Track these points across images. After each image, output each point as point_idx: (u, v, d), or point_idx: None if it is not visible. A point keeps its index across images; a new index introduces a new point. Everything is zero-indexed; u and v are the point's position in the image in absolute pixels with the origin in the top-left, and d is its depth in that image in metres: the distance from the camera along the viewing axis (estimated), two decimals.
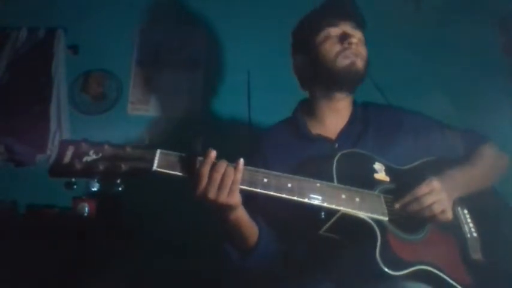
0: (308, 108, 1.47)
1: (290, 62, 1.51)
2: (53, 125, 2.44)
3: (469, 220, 1.28)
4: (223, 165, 1.05)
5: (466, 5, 2.37)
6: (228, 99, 2.39)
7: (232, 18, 2.47)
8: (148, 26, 2.58)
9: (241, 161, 1.07)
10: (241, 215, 1.16)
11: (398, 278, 1.09)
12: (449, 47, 2.35)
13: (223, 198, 1.05)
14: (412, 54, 2.31)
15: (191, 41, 2.54)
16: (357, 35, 1.37)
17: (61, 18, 2.56)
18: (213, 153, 1.06)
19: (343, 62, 1.34)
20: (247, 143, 1.72)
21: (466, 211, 1.29)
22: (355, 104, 1.48)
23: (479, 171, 1.32)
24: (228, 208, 1.10)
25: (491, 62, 2.33)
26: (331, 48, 1.36)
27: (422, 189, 1.17)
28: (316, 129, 1.42)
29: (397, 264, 1.10)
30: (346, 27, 1.38)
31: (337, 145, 1.36)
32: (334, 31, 1.38)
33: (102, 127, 2.40)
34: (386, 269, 1.08)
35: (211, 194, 1.05)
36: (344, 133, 1.39)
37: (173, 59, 2.53)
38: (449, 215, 1.17)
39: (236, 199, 1.08)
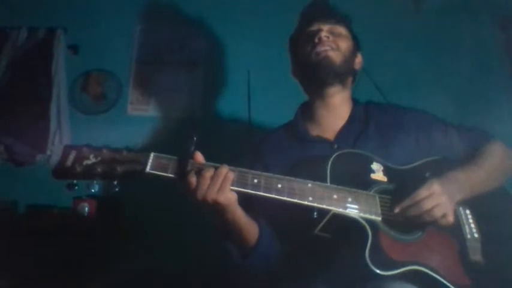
0: (307, 111, 1.47)
1: (290, 62, 1.51)
2: (53, 125, 2.44)
3: (470, 221, 1.25)
4: (211, 168, 1.10)
5: (466, 5, 2.37)
6: (228, 99, 2.39)
7: (232, 18, 2.47)
8: (148, 26, 2.58)
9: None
10: (239, 214, 1.17)
11: (388, 278, 1.08)
12: (449, 47, 2.35)
13: (213, 195, 1.08)
14: (412, 54, 2.31)
15: (191, 41, 2.54)
16: (334, 30, 1.41)
17: (61, 18, 2.56)
18: (200, 157, 1.12)
19: (315, 57, 1.37)
20: (247, 143, 1.72)
21: (468, 211, 1.26)
22: (356, 103, 1.47)
23: (485, 171, 1.28)
24: (222, 207, 1.11)
25: (491, 61, 2.33)
26: (306, 46, 1.41)
27: (422, 192, 1.15)
28: (315, 131, 1.42)
29: (387, 264, 1.10)
30: (321, 25, 1.41)
31: (336, 145, 1.35)
32: (310, 29, 1.42)
33: (102, 127, 2.40)
34: (374, 269, 1.08)
35: (200, 194, 1.08)
36: (343, 133, 1.38)
37: (173, 59, 2.53)
38: (450, 218, 1.15)
39: (226, 196, 1.09)
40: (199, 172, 1.09)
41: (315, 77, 1.40)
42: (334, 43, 1.38)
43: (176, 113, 2.44)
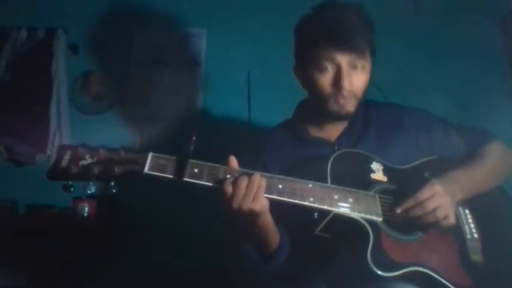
0: (307, 110, 1.44)
1: (290, 62, 1.49)
2: (53, 125, 2.43)
3: (470, 220, 1.26)
4: (245, 176, 1.08)
5: (466, 5, 2.37)
6: (228, 99, 2.39)
7: (232, 18, 2.47)
8: (148, 26, 2.58)
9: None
10: (269, 220, 1.16)
11: (390, 279, 1.08)
12: (449, 47, 2.35)
13: (249, 204, 1.07)
14: (412, 54, 2.31)
15: (191, 41, 2.54)
16: (354, 63, 1.26)
17: (61, 18, 2.56)
18: (234, 162, 1.11)
19: (333, 106, 1.29)
20: (247, 143, 1.72)
21: (467, 211, 1.27)
22: None
23: (484, 171, 1.28)
24: (256, 214, 1.10)
25: (491, 62, 2.33)
26: (323, 87, 1.28)
27: (424, 193, 1.14)
28: (316, 132, 1.40)
29: (389, 266, 1.10)
30: (343, 60, 1.25)
31: (337, 147, 1.34)
32: (327, 62, 1.26)
33: (102, 127, 2.40)
34: (376, 270, 1.08)
35: (236, 203, 1.07)
36: (344, 135, 1.38)
37: (173, 59, 2.53)
38: (452, 220, 1.16)
39: (261, 204, 1.08)
40: (235, 181, 1.07)
41: (325, 118, 1.35)
42: (352, 90, 1.27)
43: (176, 113, 2.44)
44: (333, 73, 1.27)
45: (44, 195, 2.16)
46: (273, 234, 1.20)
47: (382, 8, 2.31)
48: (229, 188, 1.07)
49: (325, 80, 1.27)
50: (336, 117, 1.33)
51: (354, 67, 1.27)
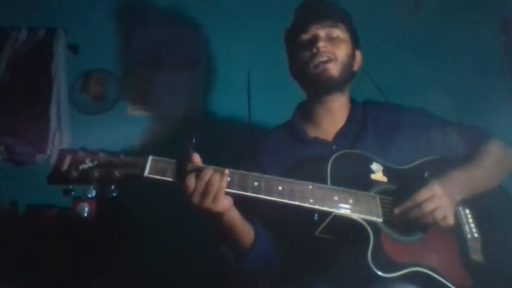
0: (305, 111, 1.45)
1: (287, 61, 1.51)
2: (53, 125, 2.43)
3: (470, 220, 1.26)
4: (208, 172, 1.07)
5: (466, 5, 2.37)
6: (228, 99, 2.39)
7: (232, 18, 2.47)
8: (148, 26, 2.58)
9: (227, 170, 1.09)
10: (233, 217, 1.16)
11: (390, 280, 1.08)
12: (450, 47, 2.35)
13: (208, 204, 1.07)
14: (412, 54, 2.31)
15: (191, 41, 2.54)
16: (331, 34, 1.35)
17: (61, 18, 2.56)
18: (197, 159, 1.10)
19: (313, 70, 1.33)
20: (247, 143, 1.72)
21: (467, 211, 1.27)
22: (354, 103, 1.46)
23: (484, 170, 1.28)
24: (215, 213, 1.10)
25: (491, 62, 2.33)
26: (302, 56, 1.36)
27: (423, 194, 1.14)
28: (313, 132, 1.41)
29: (389, 266, 1.09)
30: (318, 30, 1.35)
31: (334, 146, 1.34)
32: (306, 36, 1.37)
33: (102, 127, 2.40)
34: (377, 271, 1.07)
35: (196, 201, 1.07)
36: (341, 134, 1.38)
37: (173, 59, 2.53)
38: (450, 220, 1.15)
39: (221, 205, 1.08)
40: (196, 178, 1.07)
41: (313, 87, 1.38)
42: (332, 53, 1.33)
43: (176, 113, 2.44)
44: (308, 42, 1.36)
45: (44, 196, 2.17)
46: (243, 232, 1.20)
47: (382, 8, 2.32)
48: (189, 183, 1.06)
49: (305, 51, 1.35)
50: (320, 82, 1.34)
51: (331, 37, 1.35)
